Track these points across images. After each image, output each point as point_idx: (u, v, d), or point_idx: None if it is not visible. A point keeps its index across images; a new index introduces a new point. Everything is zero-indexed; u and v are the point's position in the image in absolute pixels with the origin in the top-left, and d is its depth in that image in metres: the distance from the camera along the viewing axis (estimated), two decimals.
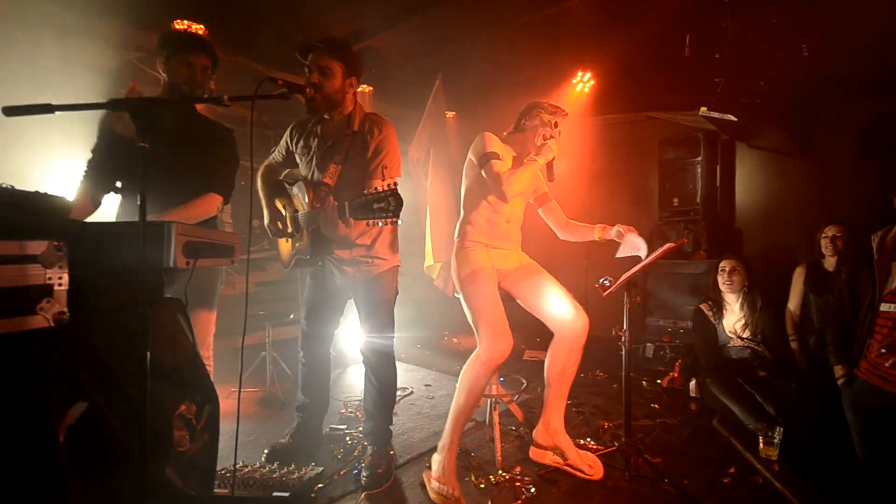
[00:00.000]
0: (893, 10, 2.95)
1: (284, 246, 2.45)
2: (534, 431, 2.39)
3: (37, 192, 1.20)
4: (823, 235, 3.25)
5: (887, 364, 2.10)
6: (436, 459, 2.13)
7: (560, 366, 2.27)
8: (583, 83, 4.85)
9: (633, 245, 2.25)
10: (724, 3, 3.31)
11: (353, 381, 3.84)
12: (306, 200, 2.14)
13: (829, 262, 3.26)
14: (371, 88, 4.89)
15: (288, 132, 2.41)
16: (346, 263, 2.30)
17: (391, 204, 1.71)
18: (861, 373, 2.19)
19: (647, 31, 3.89)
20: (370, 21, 4.32)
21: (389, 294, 2.38)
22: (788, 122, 3.93)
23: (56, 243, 1.15)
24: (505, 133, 2.48)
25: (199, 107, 2.25)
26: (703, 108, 3.43)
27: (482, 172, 2.23)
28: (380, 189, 1.74)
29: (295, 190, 2.30)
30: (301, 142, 2.34)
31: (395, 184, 1.74)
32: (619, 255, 2.33)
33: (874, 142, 3.85)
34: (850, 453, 2.26)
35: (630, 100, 4.74)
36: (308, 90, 2.02)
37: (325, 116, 2.23)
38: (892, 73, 3.51)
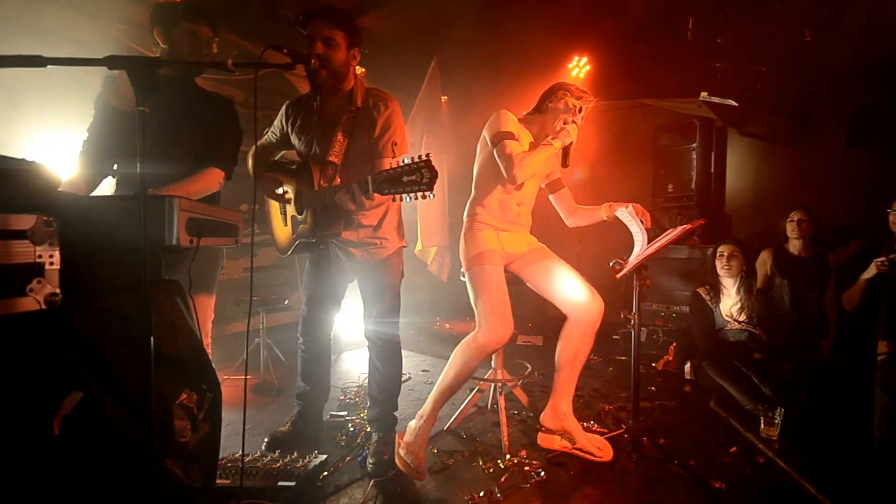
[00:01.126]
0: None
1: (282, 231, 2.35)
2: (541, 416, 2.37)
3: (23, 160, 1.08)
4: (790, 219, 3.40)
5: None
6: (411, 426, 2.13)
7: (573, 350, 2.24)
8: (579, 68, 4.80)
9: (635, 231, 2.23)
10: None
11: (349, 367, 3.78)
12: (313, 180, 2.04)
13: (794, 245, 3.41)
14: (363, 70, 4.75)
15: (283, 111, 2.29)
16: (353, 245, 2.21)
17: (425, 176, 1.60)
18: None
19: (645, 14, 3.86)
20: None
21: (396, 277, 2.31)
22: (783, 109, 3.93)
23: (46, 218, 1.04)
24: (524, 113, 2.40)
25: (197, 80, 2.13)
26: (704, 93, 3.41)
27: (494, 152, 2.16)
28: (410, 161, 1.64)
29: (297, 169, 2.19)
30: (299, 120, 2.22)
31: (428, 154, 1.64)
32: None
33: (861, 131, 3.88)
34: (848, 432, 2.31)
35: (626, 85, 4.71)
36: (313, 61, 1.90)
37: (326, 92, 2.11)
38: (881, 63, 3.53)
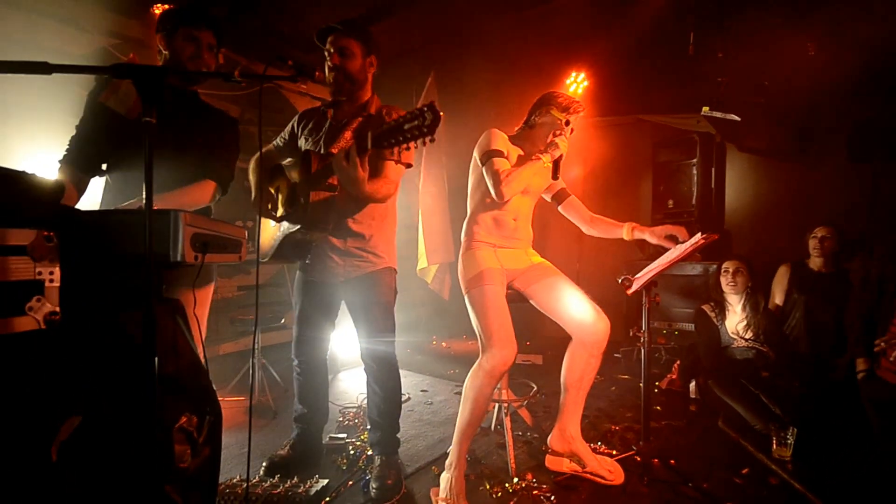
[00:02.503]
0: (889, 13, 3.00)
1: (268, 232, 2.23)
2: (549, 438, 2.30)
3: (24, 172, 1.03)
4: (812, 236, 3.29)
5: (891, 359, 2.12)
6: (444, 478, 2.03)
7: (579, 371, 2.18)
8: (577, 83, 4.81)
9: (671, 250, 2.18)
10: (727, 2, 3.31)
11: (347, 387, 3.69)
12: (310, 167, 1.97)
13: (815, 262, 3.30)
14: None
15: (296, 118, 2.31)
16: (338, 253, 2.15)
17: (427, 118, 1.52)
18: (880, 369, 2.19)
19: (645, 30, 3.88)
20: (357, 13, 4.20)
21: (387, 295, 2.23)
22: (783, 124, 3.95)
23: (46, 233, 1.00)
24: (516, 129, 2.38)
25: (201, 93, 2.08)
26: (706, 108, 3.42)
27: (483, 170, 2.14)
28: (406, 112, 1.58)
29: (295, 162, 2.09)
30: (311, 124, 2.24)
31: (431, 101, 1.57)
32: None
33: (862, 145, 3.90)
34: (861, 451, 2.26)
35: (625, 101, 4.73)
36: (318, 73, 1.88)
37: (342, 99, 2.13)
38: (881, 79, 3.56)
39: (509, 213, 2.26)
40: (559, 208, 2.47)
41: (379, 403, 2.24)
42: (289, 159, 2.16)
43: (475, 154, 2.25)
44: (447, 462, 2.06)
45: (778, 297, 3.36)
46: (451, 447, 2.07)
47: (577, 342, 2.18)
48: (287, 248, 2.10)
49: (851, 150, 3.92)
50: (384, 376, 2.23)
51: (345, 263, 2.16)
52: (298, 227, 1.99)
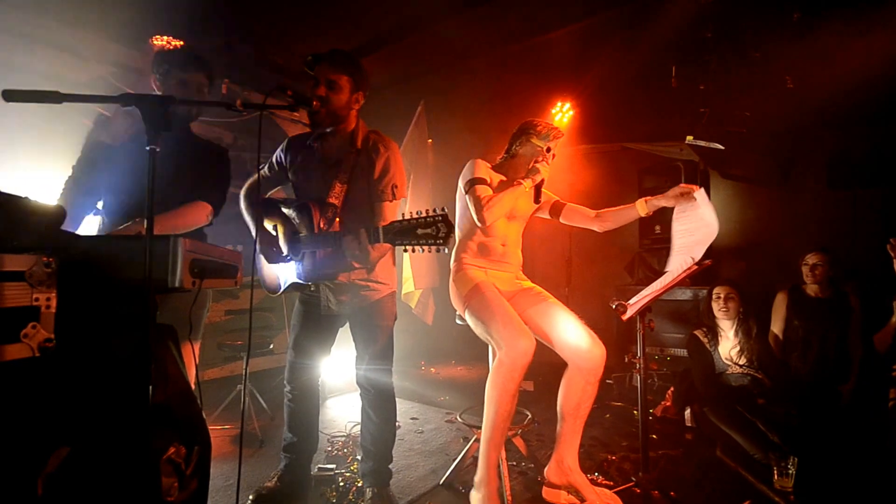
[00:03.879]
0: (862, 48, 3.13)
1: (271, 270, 2.24)
2: (546, 469, 2.24)
3: (24, 198, 1.02)
4: (804, 263, 3.29)
5: None
6: (475, 498, 2.01)
7: (575, 400, 2.15)
8: (562, 112, 4.90)
9: (698, 218, 2.15)
10: (707, 38, 3.43)
11: (336, 415, 3.58)
12: (312, 222, 1.97)
13: (812, 288, 3.30)
14: None
15: (284, 146, 2.26)
16: (346, 289, 2.14)
17: (441, 230, 1.60)
18: None
19: (628, 63, 3.99)
20: (350, 45, 4.26)
21: (389, 320, 2.24)
22: (766, 153, 4.06)
23: (45, 258, 0.98)
24: (498, 158, 2.43)
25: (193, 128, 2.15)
26: (690, 137, 3.49)
27: (467, 197, 2.17)
28: (425, 214, 1.63)
29: (293, 212, 2.10)
30: (299, 158, 2.19)
31: (444, 209, 1.64)
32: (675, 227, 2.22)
33: (841, 173, 4.03)
34: (862, 478, 2.24)
35: (610, 130, 4.83)
36: (315, 103, 1.90)
37: (327, 131, 2.09)
38: (859, 107, 3.70)
39: (497, 239, 2.29)
40: (561, 220, 2.48)
41: (373, 431, 2.19)
42: (282, 194, 2.20)
43: (459, 183, 2.29)
44: (476, 479, 2.04)
45: (776, 326, 3.35)
46: (478, 462, 2.04)
47: (573, 369, 2.16)
48: (293, 288, 2.15)
49: (831, 178, 4.04)
50: (381, 403, 2.20)
51: (350, 297, 2.16)
52: (303, 276, 2.01)
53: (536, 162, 2.23)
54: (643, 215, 2.29)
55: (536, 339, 2.20)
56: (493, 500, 1.97)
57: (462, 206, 2.31)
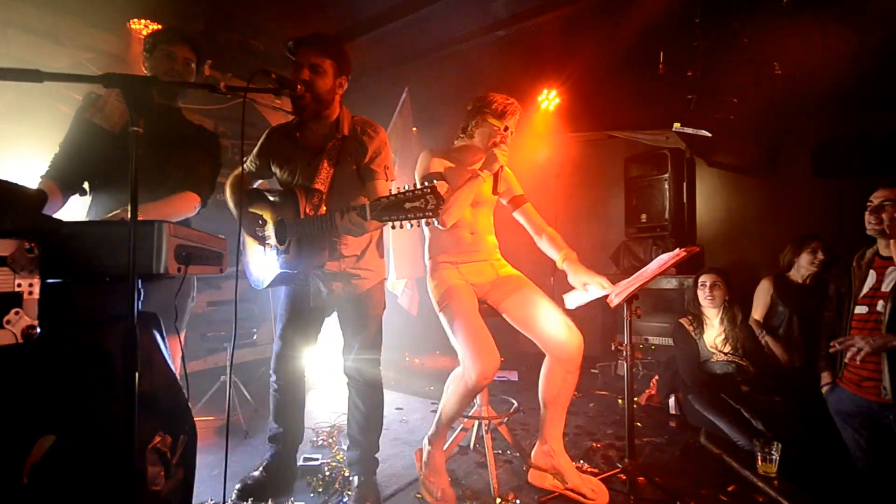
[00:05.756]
0: (848, 36, 3.12)
1: (260, 262, 2.18)
2: (532, 453, 2.23)
3: (6, 182, 1.02)
4: (810, 250, 3.22)
5: (857, 359, 2.13)
6: (426, 448, 2.17)
7: (556, 389, 2.12)
8: (548, 101, 4.86)
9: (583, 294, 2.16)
10: (695, 23, 3.39)
11: (320, 406, 3.53)
12: (298, 207, 1.92)
13: (797, 275, 3.29)
14: None
15: (264, 138, 2.20)
16: (336, 277, 2.09)
17: (430, 202, 1.53)
18: (842, 381, 2.23)
19: (615, 49, 3.95)
20: (333, 30, 4.17)
21: (379, 309, 2.21)
22: (753, 140, 4.06)
23: (28, 244, 0.97)
24: (455, 140, 2.32)
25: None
26: (677, 124, 3.47)
27: None
28: (412, 187, 1.57)
29: (279, 199, 2.06)
30: (281, 148, 2.13)
31: (434, 181, 1.61)
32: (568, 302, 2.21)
33: (826, 161, 4.04)
34: (844, 464, 2.25)
35: (597, 118, 4.80)
36: (299, 87, 1.84)
37: (310, 118, 2.03)
38: (844, 96, 3.70)
39: (465, 229, 2.23)
40: (514, 213, 2.39)
41: (360, 420, 2.17)
42: (266, 186, 2.19)
43: (416, 178, 2.20)
44: (427, 437, 2.21)
45: (758, 312, 3.35)
46: (433, 426, 2.20)
47: (551, 359, 2.13)
48: (280, 280, 2.10)
49: (816, 166, 4.05)
50: (369, 392, 2.18)
51: (342, 286, 2.11)
52: (291, 265, 1.97)
53: (494, 146, 2.10)
54: (558, 265, 2.26)
55: (516, 329, 2.20)
56: (439, 457, 2.15)
57: None
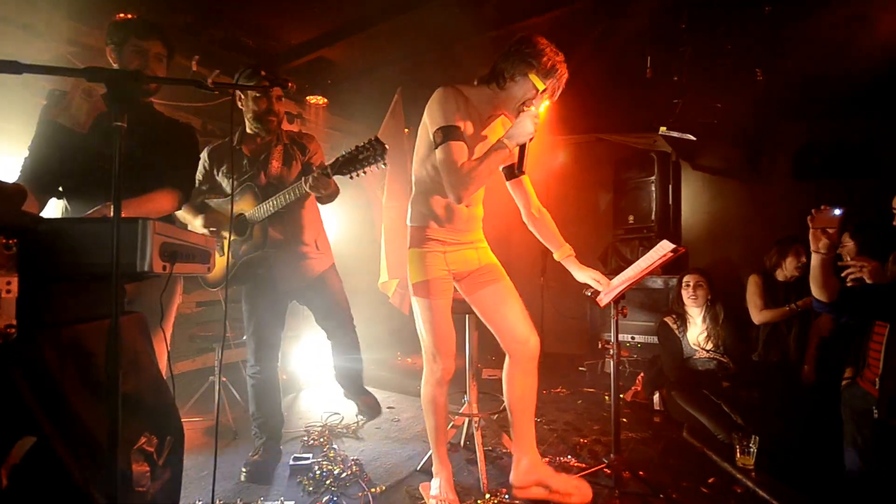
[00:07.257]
0: (828, 43, 3.22)
1: (218, 262, 2.38)
2: (511, 477, 2.12)
3: None
4: (793, 254, 3.24)
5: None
6: (434, 484, 2.12)
7: (518, 391, 2.07)
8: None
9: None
10: (681, 29, 3.47)
11: (309, 406, 3.58)
12: (256, 196, 2.29)
13: (782, 273, 3.31)
14: (326, 101, 4.70)
15: (205, 157, 2.41)
16: (295, 258, 2.39)
17: (377, 149, 1.95)
18: (861, 379, 2.24)
19: (605, 53, 4.02)
20: (322, 30, 4.18)
21: (341, 287, 2.59)
22: (735, 144, 4.17)
23: (5, 241, 0.94)
24: (475, 82, 1.92)
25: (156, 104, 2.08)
26: (663, 128, 3.55)
27: (437, 153, 1.76)
28: (361, 144, 1.98)
29: (236, 197, 2.34)
30: (225, 162, 2.39)
31: (375, 137, 1.99)
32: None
33: (806, 164, 4.16)
34: (820, 458, 2.33)
35: (586, 121, 4.86)
36: (291, 84, 1.93)
37: (249, 134, 2.38)
38: (823, 101, 3.81)
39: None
40: (507, 184, 2.17)
41: (344, 363, 2.62)
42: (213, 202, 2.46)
43: (426, 120, 1.87)
44: (434, 469, 2.16)
45: (756, 309, 3.33)
46: (432, 456, 2.17)
47: (512, 361, 2.08)
48: (242, 271, 2.39)
49: (797, 168, 4.17)
50: (348, 339, 2.61)
51: (303, 267, 2.43)
52: (258, 250, 2.32)
53: (525, 108, 1.74)
54: (555, 258, 2.23)
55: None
56: (449, 483, 2.10)
57: (426, 147, 1.90)
